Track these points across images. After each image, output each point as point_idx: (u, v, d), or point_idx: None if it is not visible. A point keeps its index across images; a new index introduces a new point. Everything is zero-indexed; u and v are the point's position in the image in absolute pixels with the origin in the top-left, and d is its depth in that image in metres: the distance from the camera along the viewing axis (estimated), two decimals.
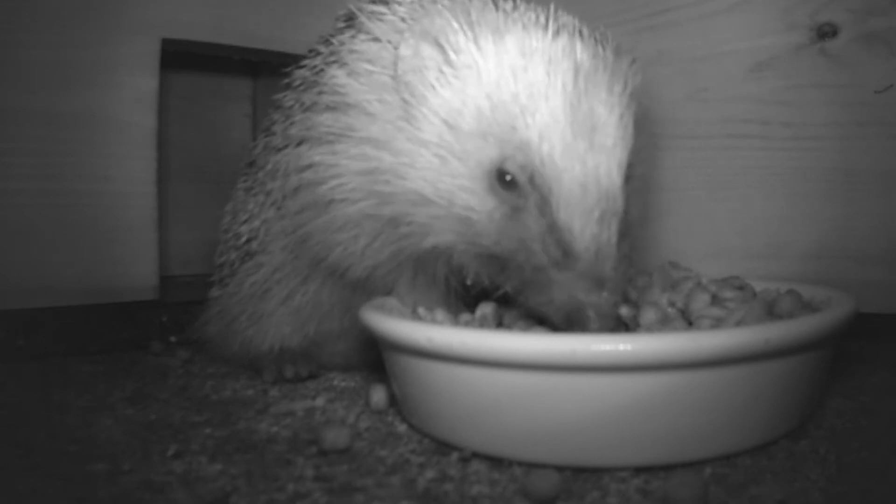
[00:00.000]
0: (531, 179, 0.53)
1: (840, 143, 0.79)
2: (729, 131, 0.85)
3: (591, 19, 0.63)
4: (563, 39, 0.55)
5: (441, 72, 0.56)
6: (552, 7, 0.59)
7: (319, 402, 0.70)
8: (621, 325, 0.53)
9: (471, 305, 0.65)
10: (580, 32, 0.57)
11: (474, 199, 0.55)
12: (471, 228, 0.56)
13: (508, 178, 0.54)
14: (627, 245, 0.56)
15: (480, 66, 0.55)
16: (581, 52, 0.55)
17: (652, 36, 0.89)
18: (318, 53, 0.70)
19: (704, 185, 0.87)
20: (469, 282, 0.62)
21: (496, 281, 0.58)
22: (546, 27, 0.56)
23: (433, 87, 0.56)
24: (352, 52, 0.62)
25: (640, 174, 0.66)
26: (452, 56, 0.55)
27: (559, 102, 0.53)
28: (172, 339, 0.96)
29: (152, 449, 0.57)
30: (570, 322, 0.52)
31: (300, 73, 0.72)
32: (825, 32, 0.79)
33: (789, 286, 0.63)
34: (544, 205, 0.53)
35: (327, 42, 0.69)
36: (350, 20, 0.67)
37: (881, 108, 0.77)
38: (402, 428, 0.61)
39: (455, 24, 0.56)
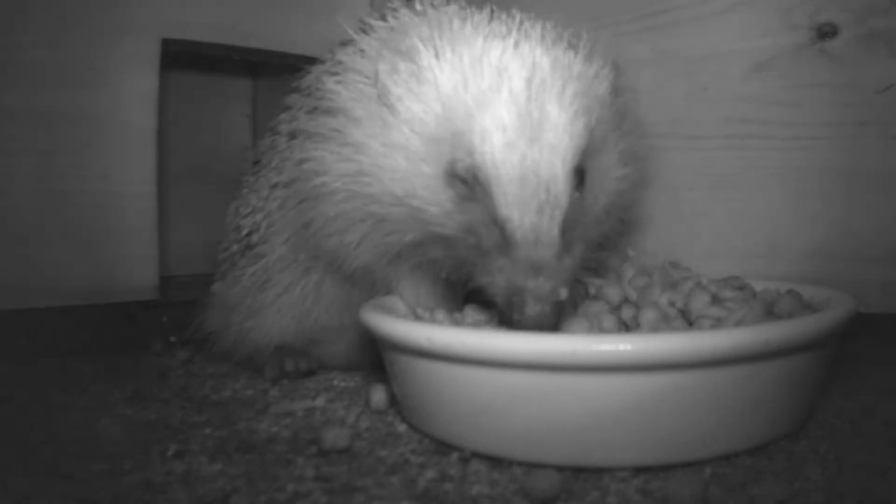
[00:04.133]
0: (475, 178, 0.57)
1: (840, 143, 0.79)
2: (729, 131, 0.85)
3: (590, 19, 0.64)
4: (522, 49, 0.59)
5: (409, 84, 0.61)
6: (521, 19, 0.63)
7: (319, 402, 0.70)
8: (560, 310, 0.54)
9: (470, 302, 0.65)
10: (545, 40, 0.60)
11: (433, 195, 0.59)
12: (431, 219, 0.60)
13: (459, 176, 0.58)
14: (580, 243, 0.58)
15: (439, 77, 0.59)
16: (539, 58, 0.58)
17: (652, 36, 0.89)
18: (323, 63, 0.74)
19: (704, 185, 0.87)
20: (444, 275, 0.65)
21: (462, 272, 0.61)
22: (506, 38, 0.60)
23: (402, 98, 0.61)
24: (342, 62, 0.68)
25: (624, 174, 0.67)
26: (418, 70, 0.60)
27: (503, 108, 0.56)
28: (172, 339, 0.96)
29: (152, 449, 0.57)
30: (509, 305, 0.53)
31: (307, 80, 0.76)
32: (825, 32, 0.79)
33: (789, 286, 0.63)
34: (486, 198, 0.56)
35: (333, 53, 0.73)
36: (352, 34, 0.71)
37: (881, 108, 0.77)
38: (402, 428, 0.61)
39: (420, 42, 0.61)
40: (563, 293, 0.53)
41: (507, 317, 0.54)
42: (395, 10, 0.70)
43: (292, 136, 0.74)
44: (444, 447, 0.56)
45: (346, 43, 0.71)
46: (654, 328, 0.58)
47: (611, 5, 0.91)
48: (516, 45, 0.59)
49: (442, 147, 0.59)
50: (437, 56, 0.60)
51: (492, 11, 0.65)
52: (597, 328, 0.59)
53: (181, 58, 1.00)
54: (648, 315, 0.59)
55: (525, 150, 0.55)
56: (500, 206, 0.55)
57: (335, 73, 0.67)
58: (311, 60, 0.77)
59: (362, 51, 0.66)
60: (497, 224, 0.55)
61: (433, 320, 0.63)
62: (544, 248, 0.54)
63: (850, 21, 0.78)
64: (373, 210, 0.63)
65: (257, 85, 1.29)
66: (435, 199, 0.59)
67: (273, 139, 0.80)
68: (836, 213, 0.79)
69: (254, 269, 0.79)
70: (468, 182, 0.57)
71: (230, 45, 1.01)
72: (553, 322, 0.53)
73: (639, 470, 0.50)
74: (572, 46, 0.62)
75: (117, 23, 0.90)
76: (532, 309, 0.52)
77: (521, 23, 0.62)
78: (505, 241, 0.54)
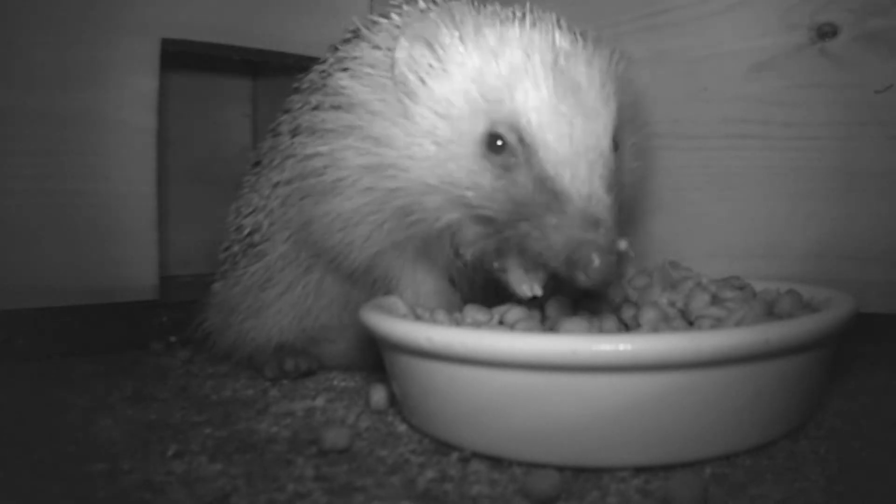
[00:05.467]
0: (520, 140, 0.57)
1: (840, 143, 0.79)
2: (729, 131, 0.85)
3: (591, 19, 0.64)
4: (540, 28, 0.60)
5: (431, 68, 0.60)
6: (528, 5, 0.63)
7: (319, 402, 0.70)
8: (623, 262, 0.54)
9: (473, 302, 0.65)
10: (559, 25, 0.61)
11: (471, 172, 0.59)
12: (471, 200, 0.59)
13: (499, 142, 0.58)
14: (619, 199, 0.57)
15: (465, 57, 0.60)
16: (559, 38, 0.59)
17: (652, 36, 0.89)
18: (326, 60, 0.73)
19: (704, 185, 0.87)
20: (469, 257, 0.65)
21: (495, 255, 0.61)
22: (523, 20, 0.60)
23: (424, 82, 0.60)
24: (354, 58, 0.67)
25: (635, 168, 0.68)
26: (440, 52, 0.60)
27: (541, 74, 0.57)
28: (172, 339, 0.96)
29: (152, 449, 0.57)
30: (571, 263, 0.52)
31: (308, 78, 0.76)
32: (825, 32, 0.79)
33: (789, 286, 0.63)
34: (533, 159, 0.56)
35: (335, 50, 0.73)
36: (355, 31, 0.71)
37: (881, 108, 0.77)
38: (402, 428, 0.61)
39: (440, 26, 0.61)
40: (623, 244, 0.53)
41: (568, 277, 0.52)
42: (398, 6, 0.69)
43: (294, 133, 0.74)
44: (444, 447, 0.56)
45: (347, 40, 0.71)
46: (654, 328, 0.58)
47: (611, 5, 0.91)
48: (534, 24, 0.60)
49: (475, 122, 0.58)
50: (460, 38, 0.60)
51: (497, 8, 0.65)
52: (597, 328, 0.59)
53: (181, 58, 1.00)
54: (648, 315, 0.59)
55: (569, 113, 0.55)
56: (549, 163, 0.55)
57: (346, 69, 0.67)
58: (311, 60, 0.77)
59: (373, 44, 0.66)
60: (546, 183, 0.54)
61: (433, 320, 0.63)
62: (598, 201, 0.53)
63: (850, 21, 0.78)
64: (398, 203, 0.62)
65: (257, 85, 1.29)
66: (473, 179, 0.59)
67: (274, 140, 0.80)
68: (836, 213, 0.80)
69: (255, 268, 0.79)
70: (510, 146, 0.57)
71: (230, 45, 1.01)
72: (618, 274, 0.53)
73: (639, 470, 0.50)
74: (580, 34, 0.62)
75: (117, 23, 0.90)
76: (598, 261, 0.50)
77: (532, 10, 0.62)
78: (556, 198, 0.54)
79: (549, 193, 0.54)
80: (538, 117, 0.56)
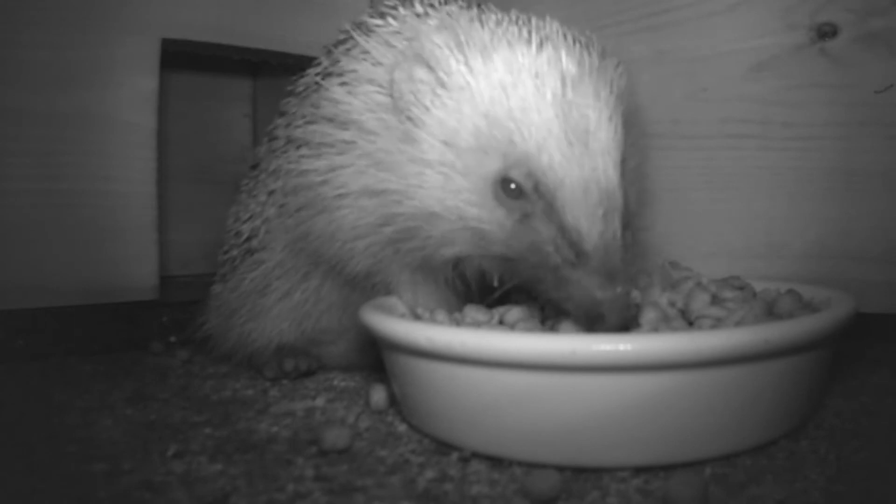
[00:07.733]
0: (536, 188, 0.56)
1: (840, 143, 0.79)
2: (729, 131, 0.85)
3: (590, 19, 0.64)
4: (548, 51, 0.58)
5: (435, 94, 0.58)
6: (533, 19, 0.61)
7: (319, 402, 0.70)
8: (635, 311, 0.55)
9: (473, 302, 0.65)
10: (564, 40, 0.59)
11: (483, 212, 0.58)
12: (484, 238, 0.59)
13: (513, 186, 0.56)
14: (630, 235, 0.58)
15: (472, 86, 0.57)
16: (566, 61, 0.58)
17: (652, 36, 0.89)
18: (320, 63, 0.72)
19: (704, 185, 0.87)
20: (472, 277, 0.64)
21: (511, 279, 0.60)
22: (530, 41, 0.58)
23: (429, 108, 0.59)
24: (349, 70, 0.65)
25: (633, 166, 0.67)
26: (445, 78, 0.58)
27: (550, 113, 0.55)
28: (172, 339, 0.96)
29: (152, 449, 0.57)
30: (589, 319, 0.53)
31: (303, 81, 0.75)
32: (825, 32, 0.79)
33: (789, 286, 0.63)
34: (551, 210, 0.55)
35: (329, 52, 0.72)
36: (348, 34, 0.69)
37: (881, 108, 0.77)
38: (402, 428, 0.61)
39: (444, 47, 0.58)
40: (636, 296, 0.55)
41: (586, 327, 0.54)
42: (393, 8, 0.68)
43: (289, 140, 0.72)
44: (444, 447, 0.56)
45: (341, 42, 0.70)
46: (654, 328, 0.57)
47: (611, 5, 0.91)
48: (541, 47, 0.58)
49: (484, 158, 0.57)
50: (466, 63, 0.58)
51: (495, 13, 0.63)
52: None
53: (181, 58, 1.00)
54: (648, 315, 0.59)
55: (583, 159, 0.55)
56: (568, 216, 0.54)
57: (344, 83, 0.65)
58: (311, 61, 0.76)
59: (370, 55, 0.64)
60: (565, 235, 0.54)
61: (433, 320, 0.63)
62: (614, 254, 0.54)
63: (850, 21, 0.78)
64: (404, 225, 0.61)
65: (257, 85, 1.29)
66: (489, 217, 0.57)
67: (270, 144, 0.79)
68: (836, 213, 0.80)
69: (253, 275, 0.79)
70: (526, 192, 0.56)
71: (230, 45, 1.01)
72: (629, 324, 0.54)
73: (639, 470, 0.50)
74: (586, 46, 0.61)
75: (117, 23, 0.90)
76: (616, 319, 0.52)
77: (535, 23, 0.61)
78: (574, 253, 0.54)
79: (568, 246, 0.54)
80: (552, 166, 0.55)
